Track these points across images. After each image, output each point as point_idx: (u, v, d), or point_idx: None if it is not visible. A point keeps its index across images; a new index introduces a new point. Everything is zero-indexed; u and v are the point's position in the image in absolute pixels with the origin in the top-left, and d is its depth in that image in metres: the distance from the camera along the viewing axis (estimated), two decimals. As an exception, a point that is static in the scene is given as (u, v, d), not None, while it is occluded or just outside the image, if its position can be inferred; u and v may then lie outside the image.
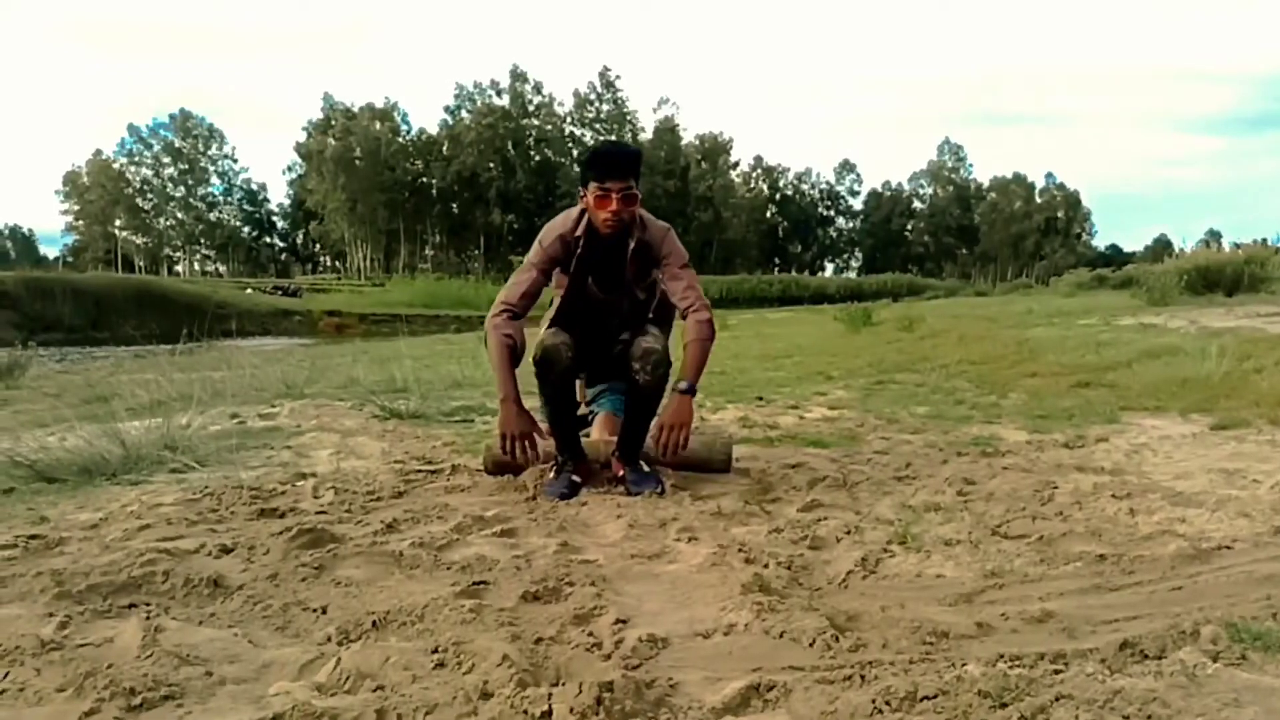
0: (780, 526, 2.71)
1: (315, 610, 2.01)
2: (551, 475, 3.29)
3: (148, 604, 2.02)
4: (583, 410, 4.21)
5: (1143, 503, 2.93)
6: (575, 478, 3.27)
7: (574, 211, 3.31)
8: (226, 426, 4.71)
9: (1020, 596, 2.09)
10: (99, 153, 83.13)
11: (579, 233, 3.22)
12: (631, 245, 3.22)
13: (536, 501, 3.06)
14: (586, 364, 3.55)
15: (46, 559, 2.40)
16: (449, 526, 2.68)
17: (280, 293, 51.94)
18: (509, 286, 3.27)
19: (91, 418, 4.83)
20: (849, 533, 2.64)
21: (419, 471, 3.60)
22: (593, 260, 3.28)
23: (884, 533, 2.64)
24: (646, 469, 3.31)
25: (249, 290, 50.77)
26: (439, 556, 2.38)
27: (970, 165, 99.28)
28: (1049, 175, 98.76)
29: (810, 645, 1.77)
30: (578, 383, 3.61)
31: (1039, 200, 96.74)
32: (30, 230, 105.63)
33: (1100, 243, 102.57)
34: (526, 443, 3.12)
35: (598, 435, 3.65)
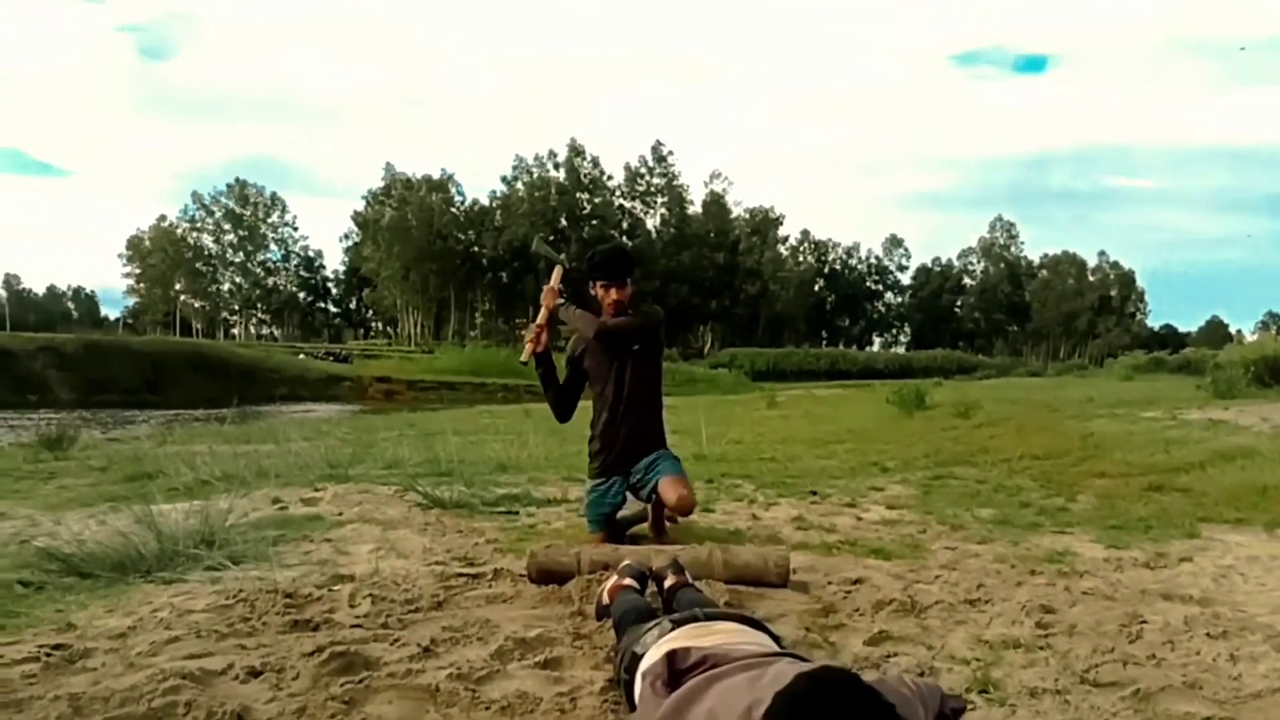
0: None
1: (342, 759, 1.85)
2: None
3: (165, 743, 1.88)
4: (634, 510, 4.18)
5: (1243, 645, 2.68)
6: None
7: None
8: (267, 513, 4.61)
9: (1123, 771, 1.86)
10: (163, 218, 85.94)
11: None
12: None
13: (582, 618, 2.88)
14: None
15: (67, 677, 2.28)
16: (489, 651, 2.51)
17: (332, 358, 52.79)
18: None
19: (133, 497, 4.78)
20: (922, 674, 2.42)
21: (460, 575, 3.44)
22: None
23: (961, 675, 2.42)
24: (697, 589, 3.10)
25: (301, 356, 51.62)
26: (477, 693, 2.21)
27: (1022, 242, 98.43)
28: (1101, 253, 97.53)
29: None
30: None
31: (1091, 278, 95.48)
32: (93, 291, 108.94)
33: (1155, 322, 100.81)
34: None
35: (666, 492, 3.93)
